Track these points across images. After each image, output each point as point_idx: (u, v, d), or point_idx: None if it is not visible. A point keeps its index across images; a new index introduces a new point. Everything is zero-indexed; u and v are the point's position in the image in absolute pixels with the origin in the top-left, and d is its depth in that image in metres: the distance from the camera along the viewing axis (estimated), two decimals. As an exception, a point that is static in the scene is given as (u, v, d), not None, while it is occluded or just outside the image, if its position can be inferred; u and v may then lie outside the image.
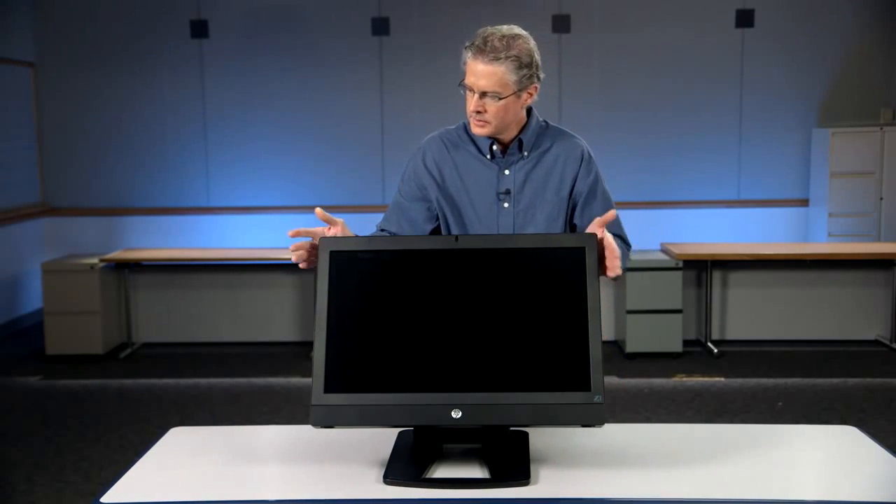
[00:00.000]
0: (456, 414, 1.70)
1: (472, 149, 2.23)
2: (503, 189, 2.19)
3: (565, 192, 2.20)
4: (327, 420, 1.73)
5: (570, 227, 2.26)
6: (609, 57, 6.88)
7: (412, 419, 1.75)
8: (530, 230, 2.19)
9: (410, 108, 6.83)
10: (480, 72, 2.06)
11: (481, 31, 2.10)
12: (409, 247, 1.88)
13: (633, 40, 6.85)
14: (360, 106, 6.95)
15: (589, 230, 1.87)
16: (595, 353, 1.73)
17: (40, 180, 7.02)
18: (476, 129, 2.14)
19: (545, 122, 2.26)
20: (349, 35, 6.90)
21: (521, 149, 2.20)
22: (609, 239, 1.84)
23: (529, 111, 2.21)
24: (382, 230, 2.29)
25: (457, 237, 1.84)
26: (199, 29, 6.89)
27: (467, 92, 2.11)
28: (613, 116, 6.90)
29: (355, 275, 1.83)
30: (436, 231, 2.27)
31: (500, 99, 2.08)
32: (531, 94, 2.14)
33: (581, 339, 1.74)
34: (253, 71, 6.92)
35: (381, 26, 6.87)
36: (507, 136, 2.19)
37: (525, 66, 2.08)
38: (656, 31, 6.84)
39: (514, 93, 2.09)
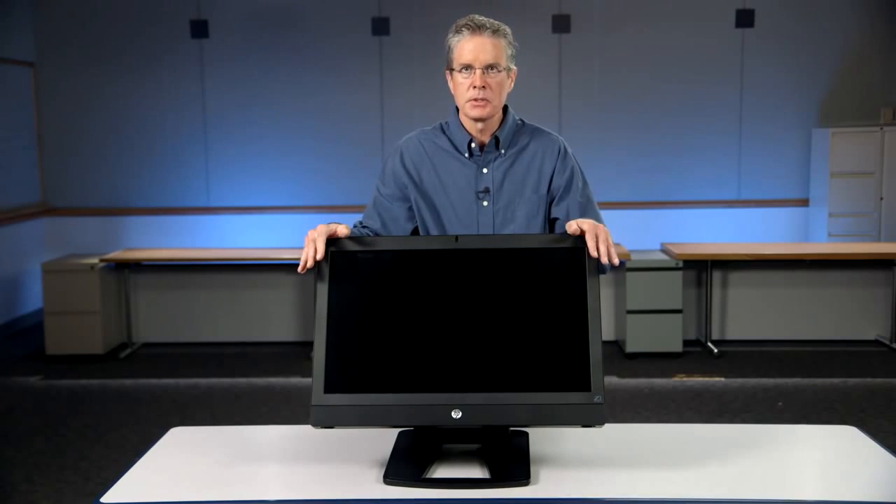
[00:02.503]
0: (456, 414, 1.70)
1: (450, 148, 2.23)
2: (482, 187, 2.19)
3: (544, 190, 2.20)
4: (327, 420, 1.73)
5: (550, 223, 2.25)
6: (609, 57, 6.88)
7: (412, 419, 1.75)
8: (510, 228, 2.19)
9: (410, 108, 6.83)
10: (480, 45, 2.09)
11: (461, 20, 2.13)
12: (409, 247, 1.88)
13: (634, 40, 6.85)
14: (360, 106, 6.95)
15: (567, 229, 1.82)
16: (595, 353, 1.73)
17: (40, 180, 7.02)
18: (476, 111, 2.13)
19: (521, 120, 2.27)
20: (349, 35, 6.90)
21: (497, 146, 2.20)
22: (589, 225, 1.77)
23: (505, 109, 2.22)
24: (364, 226, 2.26)
25: (457, 237, 1.84)
26: (199, 29, 6.89)
27: (462, 77, 2.12)
28: (613, 116, 6.90)
29: (355, 275, 1.83)
30: (416, 231, 2.27)
31: (500, 72, 2.12)
32: (512, 79, 2.19)
33: (581, 339, 1.74)
34: (253, 71, 6.92)
35: (381, 26, 6.87)
36: (486, 132, 2.19)
37: (511, 44, 2.15)
38: (656, 31, 6.84)
39: (507, 69, 2.14)
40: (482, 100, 2.12)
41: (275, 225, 6.94)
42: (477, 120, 2.16)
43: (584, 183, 2.24)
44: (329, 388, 1.74)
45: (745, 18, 6.81)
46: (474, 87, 2.11)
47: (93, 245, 6.70)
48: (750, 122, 6.91)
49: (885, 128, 6.53)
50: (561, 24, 6.83)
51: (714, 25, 6.84)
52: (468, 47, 2.10)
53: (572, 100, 6.89)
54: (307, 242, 1.81)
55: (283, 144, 6.97)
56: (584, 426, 1.71)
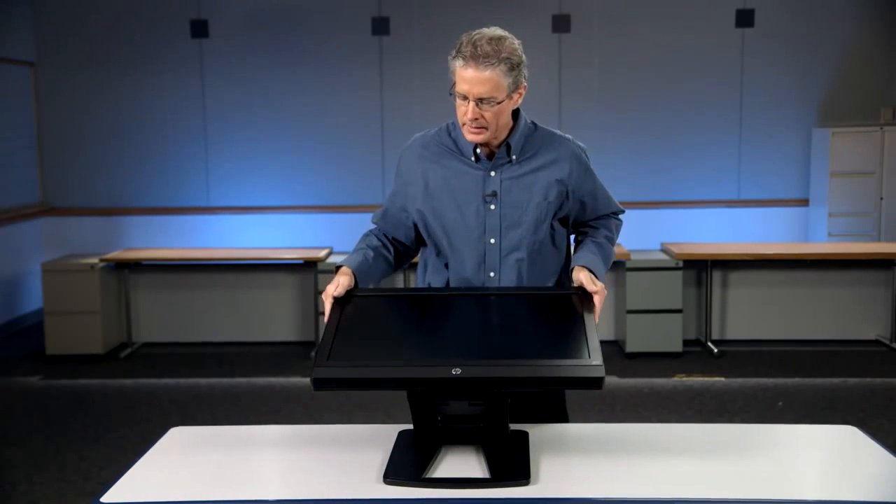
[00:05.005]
0: (456, 371, 1.72)
1: (457, 152, 2.20)
2: (489, 191, 2.17)
3: (553, 196, 2.18)
4: (328, 378, 1.76)
5: (566, 226, 2.28)
6: (609, 57, 6.88)
7: (411, 374, 1.78)
8: (517, 232, 2.17)
9: (411, 107, 6.83)
10: (475, 78, 2.02)
11: (466, 37, 2.06)
12: (415, 293, 2.17)
13: (634, 40, 6.85)
14: (360, 106, 6.95)
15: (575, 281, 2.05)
16: (590, 326, 1.85)
17: (40, 180, 7.02)
18: (472, 137, 2.11)
19: (533, 123, 2.23)
20: (349, 35, 6.90)
21: (509, 153, 2.17)
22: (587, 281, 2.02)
23: (517, 113, 2.18)
24: (374, 224, 2.35)
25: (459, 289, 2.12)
26: (200, 28, 6.89)
27: (460, 100, 2.08)
28: (613, 116, 6.90)
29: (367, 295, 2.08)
30: (419, 234, 2.28)
31: (497, 104, 2.05)
32: (521, 95, 2.12)
33: (577, 319, 1.89)
34: (253, 71, 6.92)
35: (381, 26, 6.87)
36: (496, 140, 2.16)
37: (515, 67, 2.06)
38: (656, 31, 6.84)
39: (508, 95, 2.07)
40: (477, 128, 2.08)
41: (274, 225, 6.94)
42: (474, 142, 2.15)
43: (598, 178, 2.27)
44: (332, 356, 1.79)
45: (745, 18, 6.82)
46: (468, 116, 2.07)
47: (93, 245, 6.71)
48: (750, 121, 6.91)
49: (885, 127, 6.53)
50: (561, 23, 6.83)
51: (714, 25, 6.84)
52: (464, 77, 2.03)
53: (572, 100, 6.89)
54: (325, 300, 1.99)
55: (282, 144, 6.97)
56: (583, 388, 1.73)
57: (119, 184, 7.03)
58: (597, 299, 1.97)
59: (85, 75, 6.93)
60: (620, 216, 2.36)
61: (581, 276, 2.03)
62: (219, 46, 6.91)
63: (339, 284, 2.01)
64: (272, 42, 6.90)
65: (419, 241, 2.30)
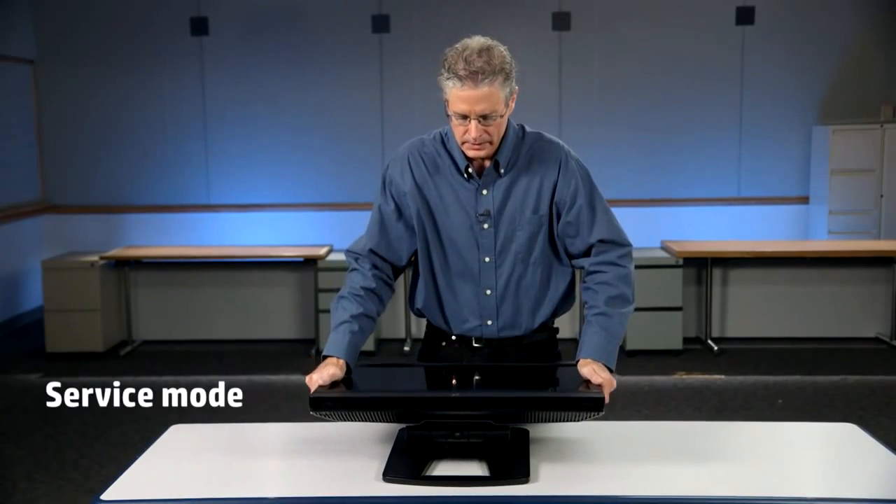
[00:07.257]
0: (455, 394, 1.81)
1: (451, 167, 2.13)
2: (482, 210, 2.11)
3: (545, 209, 2.12)
4: (325, 397, 1.80)
5: (551, 234, 2.18)
6: (609, 54, 6.87)
7: (409, 394, 1.86)
8: (511, 249, 2.13)
9: (411, 105, 6.82)
10: (474, 97, 1.95)
11: (454, 54, 1.97)
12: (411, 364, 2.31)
13: (634, 37, 6.84)
14: (360, 103, 6.94)
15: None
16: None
17: (40, 178, 7.01)
18: (475, 153, 2.04)
19: (521, 129, 2.16)
20: (349, 32, 6.89)
21: (497, 168, 2.11)
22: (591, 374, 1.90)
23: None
24: (372, 251, 2.17)
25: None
26: (200, 26, 6.88)
27: (458, 120, 2.00)
28: (613, 114, 6.89)
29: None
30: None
31: (500, 117, 2.00)
32: (514, 100, 2.06)
33: (574, 367, 1.93)
34: (253, 68, 6.91)
35: (381, 23, 6.87)
36: (493, 149, 2.10)
37: (509, 76, 1.99)
38: (657, 29, 6.83)
39: (506, 105, 2.01)
40: (480, 144, 2.02)
41: (275, 222, 6.94)
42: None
43: (591, 191, 2.13)
44: (332, 385, 1.85)
45: (745, 16, 6.81)
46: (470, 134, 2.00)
47: (93, 243, 6.70)
48: (750, 119, 6.90)
49: (886, 125, 6.52)
50: (561, 21, 6.82)
51: (714, 23, 6.83)
52: (461, 97, 1.95)
53: (572, 97, 6.88)
54: (310, 385, 1.89)
55: (283, 142, 6.96)
56: (583, 409, 1.76)
57: (119, 181, 7.02)
58: (604, 389, 1.84)
59: (85, 73, 6.92)
60: (626, 261, 2.11)
61: (584, 372, 1.89)
62: (219, 44, 6.90)
63: (328, 374, 1.89)
64: (272, 40, 6.89)
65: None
